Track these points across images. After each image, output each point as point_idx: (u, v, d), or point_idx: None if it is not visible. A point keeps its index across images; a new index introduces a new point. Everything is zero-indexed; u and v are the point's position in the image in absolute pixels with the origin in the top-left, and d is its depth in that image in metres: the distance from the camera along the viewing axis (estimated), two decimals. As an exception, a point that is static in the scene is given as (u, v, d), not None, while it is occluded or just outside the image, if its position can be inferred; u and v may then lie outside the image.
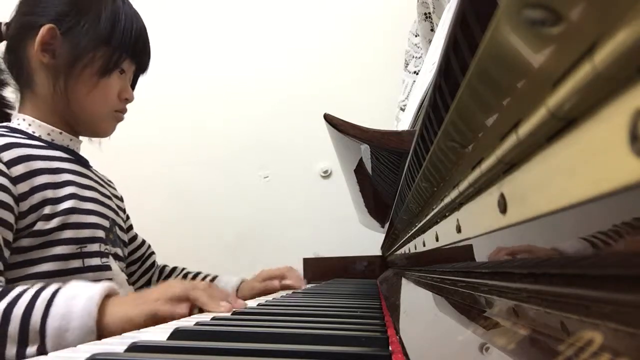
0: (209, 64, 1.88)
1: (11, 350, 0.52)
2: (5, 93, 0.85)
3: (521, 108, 0.16)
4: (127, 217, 0.99)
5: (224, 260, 1.75)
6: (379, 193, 0.90)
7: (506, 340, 0.19)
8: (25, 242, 0.67)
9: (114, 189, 0.94)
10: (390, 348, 0.32)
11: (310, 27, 1.87)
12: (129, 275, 0.98)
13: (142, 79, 0.91)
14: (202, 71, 1.88)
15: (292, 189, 1.82)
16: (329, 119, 0.66)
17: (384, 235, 1.19)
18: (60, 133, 0.79)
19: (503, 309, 0.23)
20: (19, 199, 0.67)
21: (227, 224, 1.81)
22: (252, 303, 0.68)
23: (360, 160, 0.74)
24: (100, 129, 0.85)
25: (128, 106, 0.86)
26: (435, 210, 0.37)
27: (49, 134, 0.78)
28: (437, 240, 0.39)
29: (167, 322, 0.54)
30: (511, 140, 0.17)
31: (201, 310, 0.60)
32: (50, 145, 0.77)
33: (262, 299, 0.75)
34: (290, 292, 0.94)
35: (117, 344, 0.36)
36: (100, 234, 0.77)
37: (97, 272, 0.74)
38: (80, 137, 0.85)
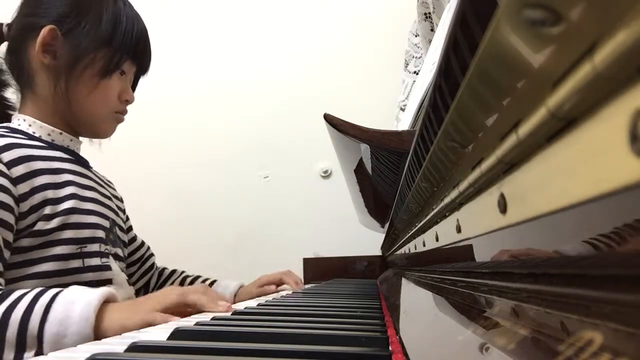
0: (210, 65, 1.88)
1: (9, 355, 0.52)
2: (6, 94, 0.85)
3: (521, 108, 0.16)
4: (127, 218, 0.99)
5: (224, 261, 1.75)
6: (379, 193, 0.90)
7: (506, 340, 0.19)
8: (25, 242, 0.68)
9: (114, 189, 0.94)
10: (390, 348, 0.32)
11: (310, 28, 1.87)
12: (128, 276, 0.98)
13: (143, 80, 0.91)
14: (203, 73, 1.88)
15: (292, 189, 1.82)
16: (329, 119, 0.66)
17: (384, 235, 1.19)
18: (61, 133, 0.80)
19: (503, 309, 0.23)
20: (20, 199, 0.67)
21: (227, 224, 1.81)
22: (252, 303, 0.68)
23: (360, 160, 0.74)
24: (101, 130, 0.85)
25: (129, 107, 0.86)
26: (435, 210, 0.37)
27: (49, 135, 0.78)
28: (437, 240, 0.39)
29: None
30: (511, 140, 0.17)
31: (201, 311, 0.60)
32: (51, 146, 0.77)
33: (262, 299, 0.75)
34: (290, 292, 0.94)
35: (117, 344, 0.36)
36: (100, 234, 0.77)
37: (97, 272, 0.75)
38: (81, 138, 0.85)
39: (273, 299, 0.75)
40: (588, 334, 0.14)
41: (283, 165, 1.83)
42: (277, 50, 1.87)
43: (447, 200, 0.30)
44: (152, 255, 1.05)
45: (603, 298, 0.14)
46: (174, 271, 1.07)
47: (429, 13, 1.34)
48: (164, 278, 1.05)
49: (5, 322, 0.52)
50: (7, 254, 0.65)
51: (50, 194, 0.71)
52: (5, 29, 0.82)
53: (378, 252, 1.44)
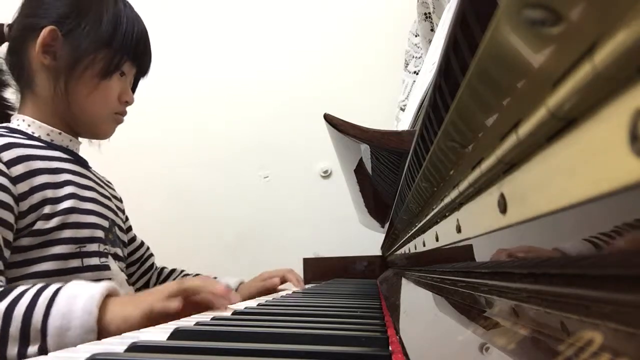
0: (210, 66, 1.88)
1: (12, 349, 0.52)
2: (5, 94, 0.85)
3: (521, 108, 0.16)
4: (127, 218, 0.99)
5: (224, 260, 1.75)
6: (379, 193, 0.90)
7: (506, 340, 0.19)
8: (25, 241, 0.68)
9: (114, 189, 0.94)
10: (390, 348, 0.32)
11: (311, 28, 1.87)
12: (128, 276, 0.98)
13: (143, 80, 0.91)
14: (203, 73, 1.88)
15: (292, 189, 1.82)
16: (329, 119, 0.66)
17: (384, 235, 1.19)
18: (60, 134, 0.80)
19: (503, 309, 0.23)
20: (19, 198, 0.67)
21: (227, 224, 1.81)
22: (252, 303, 0.68)
23: (360, 160, 0.74)
24: (100, 131, 0.85)
25: (129, 107, 0.86)
26: (435, 210, 0.37)
27: (48, 135, 0.78)
28: (437, 240, 0.39)
29: (163, 320, 0.55)
30: (511, 140, 0.17)
31: (202, 310, 0.61)
32: (50, 146, 0.77)
33: (262, 299, 0.75)
34: (290, 292, 0.94)
35: (117, 344, 0.36)
36: (100, 234, 0.77)
37: (96, 271, 0.75)
38: (80, 139, 0.85)
39: (273, 299, 0.75)
40: (588, 334, 0.14)
41: (283, 165, 1.83)
42: (278, 50, 1.87)
43: (447, 200, 0.30)
44: (151, 255, 1.05)
45: (603, 298, 0.14)
46: (173, 270, 1.08)
47: (429, 13, 1.34)
48: (164, 277, 1.05)
49: (8, 317, 0.52)
50: (7, 252, 0.65)
51: (49, 193, 0.71)
52: (5, 29, 0.82)
53: (378, 252, 1.44)
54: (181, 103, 1.87)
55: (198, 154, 1.85)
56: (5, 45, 0.82)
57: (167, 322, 0.55)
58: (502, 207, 0.20)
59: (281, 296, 0.82)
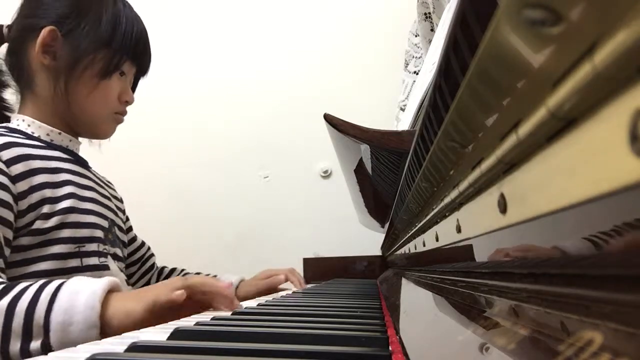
0: (210, 65, 1.88)
1: (15, 345, 0.52)
2: (4, 95, 0.85)
3: (521, 108, 0.16)
4: (127, 219, 0.99)
5: (224, 260, 1.75)
6: (379, 193, 0.90)
7: (506, 340, 0.19)
8: (24, 240, 0.68)
9: (114, 190, 0.94)
10: (390, 348, 0.32)
11: (310, 28, 1.87)
12: (129, 276, 0.98)
13: (143, 80, 0.91)
14: (203, 73, 1.88)
15: (292, 189, 1.82)
16: (329, 119, 0.66)
17: (384, 235, 1.19)
18: (60, 133, 0.80)
19: (503, 309, 0.23)
20: (18, 197, 0.67)
21: (227, 224, 1.81)
22: (252, 303, 0.68)
23: (360, 160, 0.74)
24: (100, 131, 0.85)
25: (129, 107, 0.86)
26: (435, 210, 0.37)
27: (48, 135, 0.78)
28: (437, 240, 0.39)
29: (166, 315, 0.54)
30: (511, 140, 0.17)
31: (203, 309, 0.61)
32: (49, 146, 0.78)
33: (262, 299, 0.75)
34: (290, 292, 0.94)
35: (117, 344, 0.36)
36: (99, 233, 0.77)
37: (95, 271, 0.75)
38: (80, 139, 0.85)
39: (273, 299, 0.75)
40: (588, 334, 0.14)
41: (283, 165, 1.83)
42: (277, 50, 1.87)
43: (447, 200, 0.30)
44: (152, 255, 1.05)
45: (603, 298, 0.14)
46: (173, 269, 1.08)
47: (429, 13, 1.34)
48: (164, 276, 1.05)
49: (11, 312, 0.52)
50: (7, 251, 0.65)
51: (48, 192, 0.71)
52: (5, 30, 0.82)
53: (378, 252, 1.44)
54: (181, 103, 1.87)
55: (198, 154, 1.85)
56: (5, 46, 0.82)
57: (169, 317, 0.55)
58: (502, 207, 0.20)
59: (281, 296, 0.82)
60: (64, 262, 0.71)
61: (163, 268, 1.07)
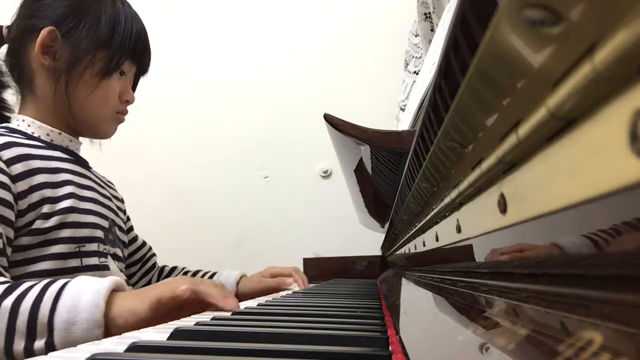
0: (210, 65, 1.88)
1: (19, 344, 0.52)
2: (5, 96, 0.85)
3: (521, 108, 0.16)
4: (128, 219, 0.99)
5: (224, 261, 1.75)
6: (379, 193, 0.90)
7: (506, 340, 0.19)
8: (24, 240, 0.68)
9: (115, 190, 0.94)
10: (390, 348, 0.32)
11: (310, 28, 1.87)
12: (130, 276, 0.98)
13: (143, 80, 0.91)
14: (203, 73, 1.88)
15: (292, 189, 1.82)
16: (329, 119, 0.66)
17: (384, 235, 1.19)
18: (60, 134, 0.80)
19: (503, 309, 0.23)
20: (18, 197, 0.67)
21: (227, 224, 1.81)
22: (252, 303, 0.68)
23: (360, 160, 0.74)
24: (101, 130, 0.85)
25: (129, 107, 0.86)
26: (435, 210, 0.37)
27: (48, 135, 0.79)
28: (437, 240, 0.39)
29: (170, 313, 0.54)
30: (511, 140, 0.17)
31: (205, 309, 0.61)
32: (49, 146, 0.78)
33: (262, 299, 0.75)
34: (290, 292, 0.94)
35: (117, 344, 0.36)
36: (99, 233, 0.77)
37: (95, 271, 0.75)
38: (81, 139, 0.85)
39: (273, 299, 0.75)
40: (588, 334, 0.14)
41: (283, 165, 1.83)
42: (277, 50, 1.87)
43: (447, 200, 0.30)
44: (153, 255, 1.06)
45: (603, 298, 0.14)
46: (174, 268, 1.08)
47: (429, 13, 1.34)
48: (165, 275, 1.05)
49: (15, 312, 0.52)
50: (9, 250, 0.65)
51: (48, 192, 0.71)
52: (5, 31, 0.82)
53: (378, 252, 1.44)
54: (181, 103, 1.87)
55: (198, 154, 1.85)
56: (5, 46, 0.82)
57: (172, 316, 0.55)
58: (502, 207, 0.20)
59: (281, 296, 0.82)
60: (64, 262, 0.71)
61: (163, 267, 1.07)
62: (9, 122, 0.80)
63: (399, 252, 0.84)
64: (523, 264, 0.21)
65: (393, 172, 0.65)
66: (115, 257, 0.82)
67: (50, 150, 0.77)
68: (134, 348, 0.31)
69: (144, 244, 1.03)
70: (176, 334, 0.37)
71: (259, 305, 0.63)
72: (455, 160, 0.26)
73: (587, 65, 0.11)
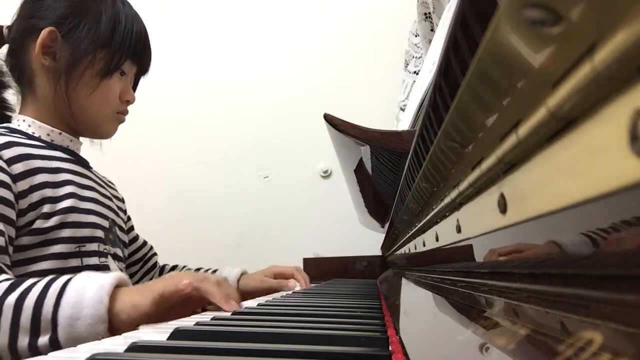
0: (210, 65, 1.88)
1: (23, 340, 0.52)
2: (5, 96, 0.85)
3: (521, 108, 0.16)
4: (129, 219, 0.99)
5: (224, 260, 1.74)
6: (379, 193, 0.90)
7: (506, 340, 0.19)
8: (25, 240, 0.68)
9: (115, 190, 0.94)
10: (390, 348, 0.32)
11: (310, 28, 1.87)
12: (131, 276, 0.99)
13: (143, 80, 0.91)
14: (203, 73, 1.88)
15: (292, 189, 1.82)
16: (329, 119, 0.66)
17: (384, 235, 1.19)
18: (60, 134, 0.80)
19: (503, 309, 0.23)
20: (19, 196, 0.68)
21: (227, 224, 1.81)
22: (252, 303, 0.68)
23: (360, 160, 0.74)
24: (102, 131, 0.85)
25: (129, 107, 0.86)
26: (435, 210, 0.37)
27: (48, 135, 0.79)
28: (437, 240, 0.39)
29: (173, 307, 0.55)
30: (511, 140, 0.17)
31: (205, 308, 0.61)
32: (50, 146, 0.78)
33: (262, 299, 0.75)
34: (290, 292, 0.94)
35: (117, 344, 0.36)
36: (99, 233, 0.77)
37: (95, 271, 0.75)
38: (82, 139, 0.85)
39: (273, 299, 0.75)
40: (588, 334, 0.14)
41: (283, 165, 1.83)
42: (277, 50, 1.87)
43: (447, 200, 0.30)
44: (154, 254, 1.06)
45: (603, 298, 0.14)
46: (175, 266, 1.08)
47: (429, 13, 1.34)
48: (166, 273, 1.05)
49: (19, 308, 0.52)
50: (11, 249, 0.65)
51: (48, 192, 0.71)
52: (5, 31, 0.82)
53: (378, 252, 1.44)
54: (181, 103, 1.87)
55: (198, 154, 1.85)
56: (6, 47, 0.82)
57: (175, 311, 0.55)
58: (502, 207, 0.20)
59: (281, 296, 0.82)
60: (64, 262, 0.71)
61: (164, 266, 1.07)
62: (10, 122, 0.80)
63: (399, 252, 0.84)
64: (523, 264, 0.21)
65: (393, 172, 0.65)
66: (115, 257, 0.82)
67: (50, 150, 0.77)
68: (134, 348, 0.32)
69: (144, 243, 1.03)
70: (176, 334, 0.37)
71: (259, 305, 0.63)
72: (455, 160, 0.26)
73: (587, 65, 0.11)
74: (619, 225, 0.12)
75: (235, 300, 0.61)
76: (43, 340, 0.52)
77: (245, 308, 0.59)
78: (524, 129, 0.16)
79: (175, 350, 0.32)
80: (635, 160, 0.10)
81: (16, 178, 0.68)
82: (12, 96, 0.85)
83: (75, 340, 0.51)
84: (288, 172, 1.83)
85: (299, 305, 0.63)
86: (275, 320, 0.48)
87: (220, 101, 1.87)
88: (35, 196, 0.69)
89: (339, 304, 0.62)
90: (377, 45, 1.79)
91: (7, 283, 0.54)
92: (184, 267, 1.08)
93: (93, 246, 0.76)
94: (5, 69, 0.82)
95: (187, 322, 0.48)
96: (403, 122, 1.08)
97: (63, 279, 0.55)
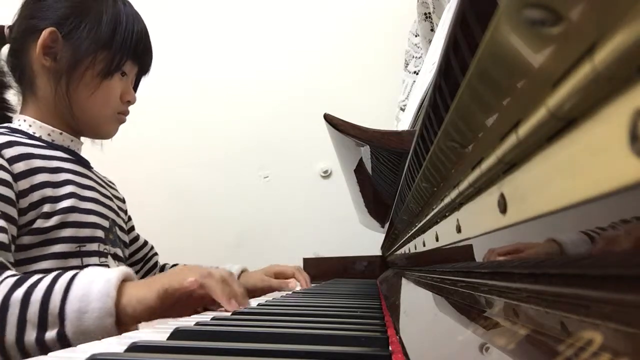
0: (210, 65, 1.88)
1: (31, 335, 0.52)
2: (7, 96, 0.85)
3: (521, 108, 0.16)
4: (129, 219, 0.99)
5: (224, 260, 1.74)
6: (379, 193, 0.90)
7: (506, 340, 0.19)
8: (25, 239, 0.68)
9: (116, 190, 0.94)
10: (390, 348, 0.32)
11: (310, 28, 1.87)
12: (131, 275, 0.98)
13: (143, 80, 0.91)
14: (204, 73, 1.88)
15: (292, 189, 1.82)
16: (329, 119, 0.66)
17: (384, 235, 1.19)
18: (61, 134, 0.80)
19: (503, 309, 0.23)
20: (20, 195, 0.68)
21: (227, 224, 1.81)
22: (252, 303, 0.68)
23: (360, 160, 0.74)
24: (103, 131, 0.85)
25: (130, 107, 0.86)
26: (435, 210, 0.37)
27: (49, 135, 0.79)
28: (437, 240, 0.39)
29: (177, 302, 0.55)
30: (511, 140, 0.17)
31: (206, 308, 0.61)
32: (51, 146, 0.78)
33: (262, 299, 0.75)
34: (290, 292, 0.94)
35: (116, 344, 0.36)
36: (100, 233, 0.77)
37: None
38: (82, 139, 0.85)
39: (273, 299, 0.75)
40: (588, 334, 0.14)
41: (283, 165, 1.83)
42: (277, 50, 1.87)
43: (447, 200, 0.30)
44: (155, 254, 1.06)
45: (603, 298, 0.14)
46: (175, 265, 1.08)
47: (429, 13, 1.34)
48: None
49: (26, 303, 0.52)
50: (13, 247, 0.66)
51: (49, 192, 0.71)
52: (7, 31, 0.82)
53: (378, 252, 1.44)
54: (181, 103, 1.87)
55: (198, 154, 1.85)
56: (7, 47, 0.82)
57: (183, 304, 0.55)
58: (502, 207, 0.20)
59: (281, 296, 0.82)
60: (64, 262, 0.71)
61: (164, 265, 1.07)
62: (11, 122, 0.80)
63: (399, 252, 0.84)
64: (523, 264, 0.21)
65: (393, 172, 0.65)
66: (115, 257, 0.82)
67: (51, 150, 0.77)
68: (133, 348, 0.32)
69: (145, 243, 1.03)
70: (176, 334, 0.37)
71: (259, 305, 0.63)
72: (455, 160, 0.26)
73: (587, 65, 0.11)
74: (618, 225, 0.12)
75: (241, 297, 0.61)
76: (50, 334, 0.52)
77: (245, 308, 0.59)
78: (524, 129, 0.16)
79: (175, 350, 0.32)
80: (635, 160, 0.10)
81: (17, 177, 0.68)
82: (13, 97, 0.85)
83: (83, 334, 0.52)
84: (288, 172, 1.83)
85: (299, 305, 0.63)
86: (275, 320, 0.48)
87: (220, 101, 1.87)
88: (36, 196, 0.69)
89: (339, 304, 0.62)
90: (377, 45, 1.79)
91: (14, 279, 0.54)
92: (184, 266, 1.08)
93: (93, 246, 0.76)
94: (6, 69, 0.82)
95: (187, 322, 0.48)
96: (403, 122, 1.08)
97: (70, 273, 0.56)
